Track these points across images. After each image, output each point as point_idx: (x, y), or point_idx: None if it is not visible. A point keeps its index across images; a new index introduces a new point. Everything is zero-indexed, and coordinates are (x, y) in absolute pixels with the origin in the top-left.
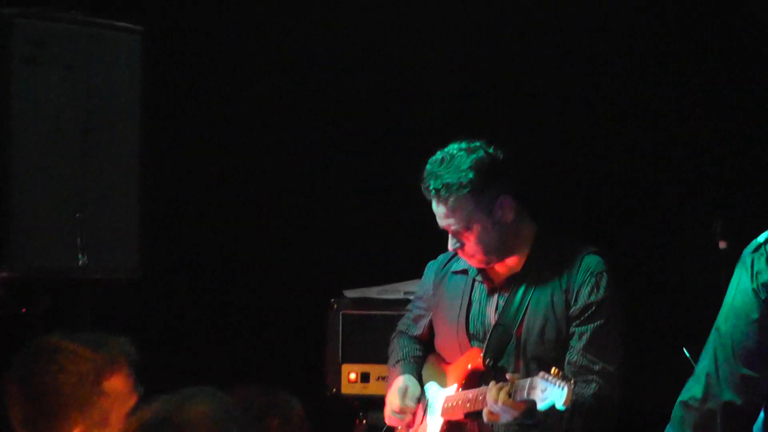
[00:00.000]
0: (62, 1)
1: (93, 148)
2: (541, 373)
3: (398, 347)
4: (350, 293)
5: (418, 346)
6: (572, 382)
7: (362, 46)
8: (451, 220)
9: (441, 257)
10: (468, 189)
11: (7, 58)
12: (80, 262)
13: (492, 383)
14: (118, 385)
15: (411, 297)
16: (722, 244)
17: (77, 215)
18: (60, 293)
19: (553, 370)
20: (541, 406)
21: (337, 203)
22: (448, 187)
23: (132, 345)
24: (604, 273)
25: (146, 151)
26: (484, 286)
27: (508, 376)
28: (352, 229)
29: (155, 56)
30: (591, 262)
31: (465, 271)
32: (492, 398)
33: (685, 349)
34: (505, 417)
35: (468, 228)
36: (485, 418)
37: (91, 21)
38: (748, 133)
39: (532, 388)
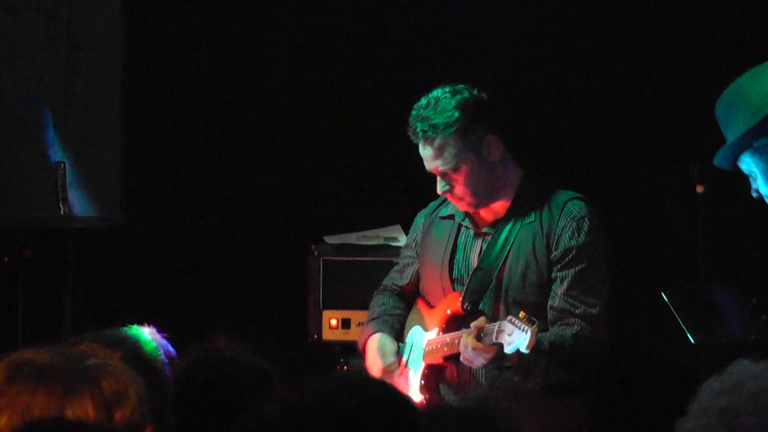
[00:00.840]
0: None
1: (75, 97)
2: (509, 317)
3: (375, 305)
4: (330, 239)
5: (395, 300)
6: (535, 325)
7: None
8: (439, 161)
9: (431, 204)
10: (455, 128)
11: None
12: (62, 212)
13: (465, 328)
14: None
15: (391, 243)
16: (699, 189)
17: (59, 164)
18: (43, 241)
19: (521, 313)
20: (507, 349)
21: (317, 149)
22: (434, 127)
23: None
24: (586, 218)
25: (128, 100)
26: (470, 231)
27: (473, 323)
28: (332, 175)
29: (136, 5)
30: (572, 206)
31: (452, 216)
32: (463, 343)
33: (664, 294)
34: (479, 361)
35: (456, 168)
36: (462, 361)
37: None
38: (726, 74)
39: (500, 331)
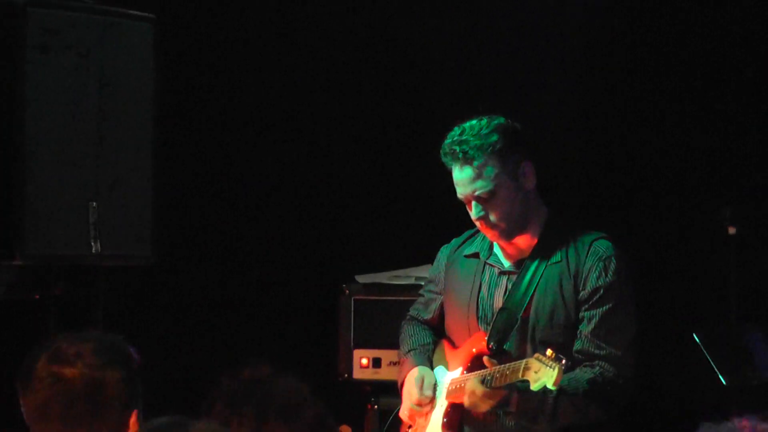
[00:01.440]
0: None
1: (106, 135)
2: (536, 354)
3: (408, 336)
4: (362, 278)
5: (427, 333)
6: (563, 362)
7: (377, 34)
8: (478, 183)
9: (454, 241)
10: (495, 149)
11: (21, 46)
12: (93, 250)
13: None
14: None
15: (422, 282)
16: (731, 230)
17: (91, 203)
18: (74, 279)
19: (548, 351)
20: (534, 386)
21: (348, 189)
22: (475, 148)
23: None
24: (613, 257)
25: (159, 138)
26: (495, 269)
27: (485, 359)
28: (364, 215)
29: (167, 43)
30: (599, 246)
31: (476, 255)
32: (469, 388)
33: (695, 335)
34: (483, 405)
35: (494, 192)
36: (467, 406)
37: (103, 9)
38: (758, 117)
39: (526, 369)
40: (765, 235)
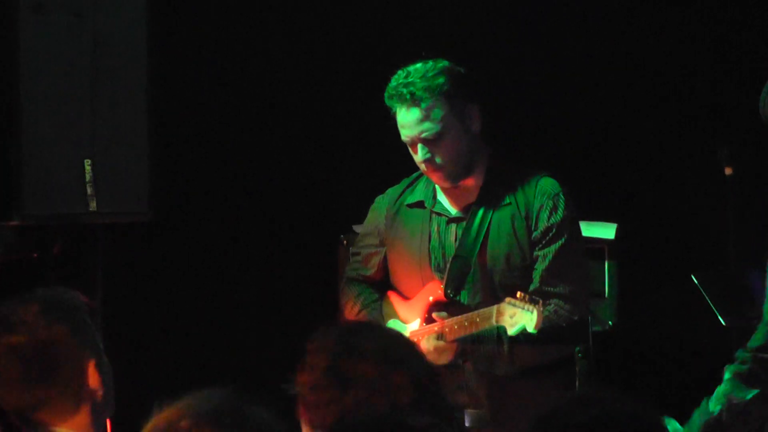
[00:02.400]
0: None
1: (101, 93)
2: (507, 299)
3: (355, 295)
4: (359, 228)
5: (372, 290)
6: (540, 303)
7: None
8: (426, 125)
9: (390, 191)
10: (443, 91)
11: (14, 6)
12: (90, 208)
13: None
14: None
15: None
16: (728, 171)
17: (87, 161)
18: (72, 237)
19: (518, 294)
20: (511, 331)
21: (344, 139)
22: (423, 89)
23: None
24: (561, 194)
25: (154, 94)
26: (443, 218)
27: (434, 315)
28: (360, 165)
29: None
30: (545, 184)
31: (421, 204)
32: (424, 347)
33: (694, 277)
34: (440, 360)
35: (441, 134)
36: None
37: None
38: (752, 57)
39: (500, 314)
40: (763, 174)
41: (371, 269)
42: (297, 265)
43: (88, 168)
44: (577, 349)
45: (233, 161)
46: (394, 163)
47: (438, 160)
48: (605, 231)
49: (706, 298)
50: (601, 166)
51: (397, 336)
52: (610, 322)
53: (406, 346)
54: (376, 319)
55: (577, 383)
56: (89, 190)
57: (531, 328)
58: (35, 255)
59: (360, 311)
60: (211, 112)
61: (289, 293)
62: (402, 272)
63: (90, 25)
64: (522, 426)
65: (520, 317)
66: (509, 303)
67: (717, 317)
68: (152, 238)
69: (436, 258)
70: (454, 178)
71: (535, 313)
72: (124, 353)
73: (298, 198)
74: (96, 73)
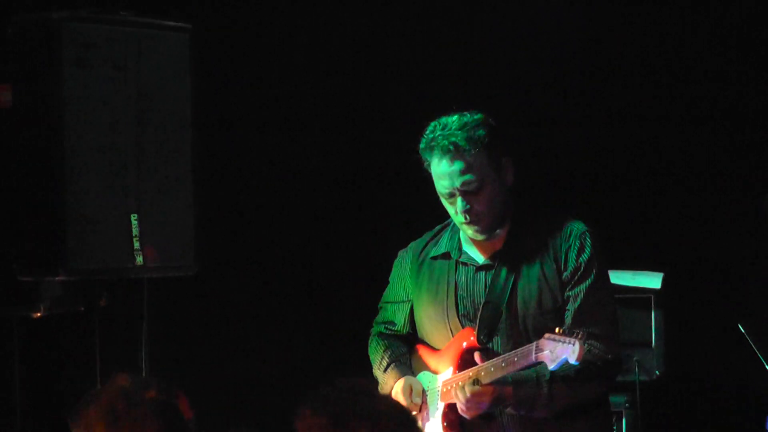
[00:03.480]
0: (110, 2)
1: (146, 146)
2: (546, 334)
3: (383, 349)
4: None
5: (401, 344)
6: (581, 335)
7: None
8: (468, 176)
9: (413, 245)
10: (485, 143)
11: (58, 62)
12: (137, 262)
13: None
14: None
15: None
16: None
17: (133, 215)
18: (118, 291)
19: (557, 329)
20: (552, 366)
21: (384, 195)
22: (467, 140)
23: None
24: (587, 233)
25: (199, 147)
26: (470, 267)
27: (475, 355)
28: (399, 220)
29: (204, 52)
30: (573, 226)
31: (447, 255)
32: (461, 397)
33: (740, 325)
34: (479, 406)
35: (481, 186)
36: (461, 413)
37: (138, 21)
38: None
39: (539, 349)
40: None
41: (399, 324)
42: (340, 318)
43: (134, 222)
44: (623, 399)
45: (277, 213)
46: (426, 215)
47: (477, 211)
48: (651, 281)
49: (753, 346)
50: (647, 215)
51: (390, 412)
52: (657, 372)
53: (400, 424)
54: (404, 373)
55: (608, 426)
56: (135, 245)
57: (573, 360)
58: (82, 308)
59: (388, 366)
60: (255, 163)
61: (336, 345)
62: (429, 324)
63: (133, 78)
64: None
65: (561, 351)
66: (548, 338)
67: (764, 365)
68: (198, 291)
69: (465, 307)
70: (490, 229)
71: (578, 345)
72: None
73: (340, 247)
74: (140, 126)
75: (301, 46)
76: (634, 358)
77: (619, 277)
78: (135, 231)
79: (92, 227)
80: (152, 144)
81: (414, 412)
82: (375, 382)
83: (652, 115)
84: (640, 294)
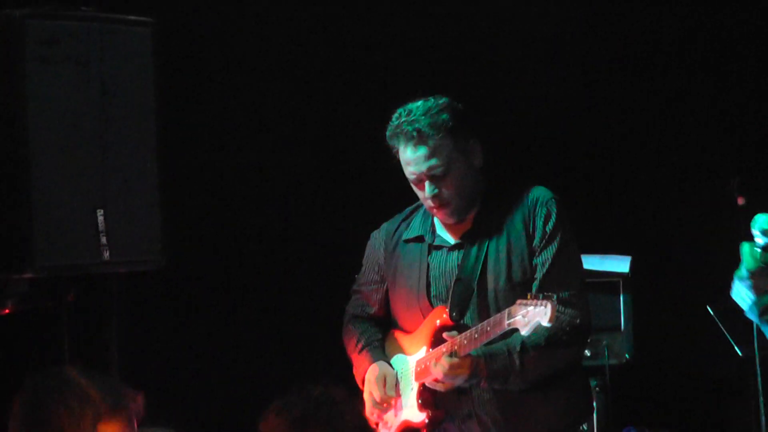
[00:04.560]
0: None
1: (110, 142)
2: (518, 301)
3: (359, 332)
4: None
5: (376, 328)
6: (554, 297)
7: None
8: (433, 161)
9: (385, 226)
10: (448, 127)
11: (21, 58)
12: (104, 257)
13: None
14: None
15: None
16: (740, 201)
17: (98, 210)
18: (86, 286)
19: (528, 295)
20: (525, 330)
21: (351, 183)
22: (429, 126)
23: (142, 400)
24: (553, 200)
25: (163, 141)
26: (443, 249)
27: (444, 335)
28: (366, 207)
29: (167, 46)
30: (538, 193)
31: (420, 238)
32: (435, 371)
33: (709, 308)
34: (455, 379)
35: (448, 171)
36: (438, 384)
37: (100, 16)
38: (765, 89)
39: (511, 315)
40: None
41: (374, 306)
42: (310, 308)
43: (100, 217)
44: (594, 383)
45: (245, 206)
46: (400, 201)
47: (445, 195)
48: (620, 265)
49: (722, 328)
50: (615, 199)
51: (352, 423)
52: (626, 355)
53: None
54: (378, 358)
55: (587, 395)
56: (102, 240)
57: (546, 322)
58: (49, 304)
59: (362, 349)
60: (223, 158)
61: (305, 335)
62: (402, 307)
63: (97, 74)
64: None
65: (533, 314)
66: (520, 304)
67: (733, 347)
68: (165, 284)
69: (437, 288)
70: (459, 213)
71: (549, 306)
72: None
73: (309, 240)
74: (105, 122)
75: (266, 38)
76: (604, 342)
77: (587, 262)
78: (101, 226)
79: (58, 224)
80: (117, 139)
81: (386, 404)
82: (343, 388)
83: (619, 99)
84: (609, 278)
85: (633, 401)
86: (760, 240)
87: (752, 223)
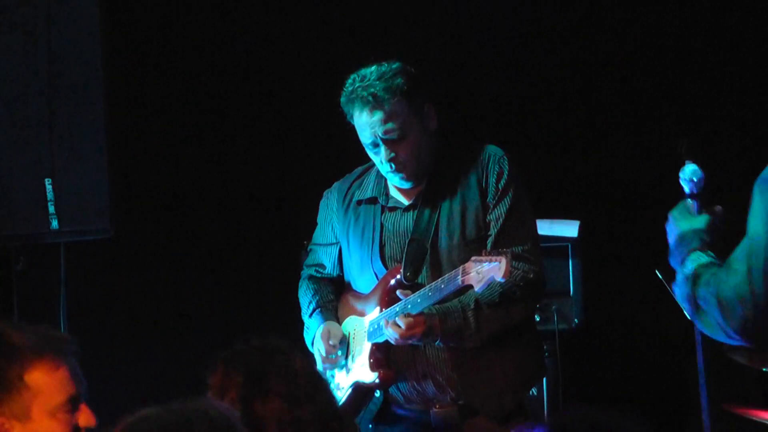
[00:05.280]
0: None
1: (58, 111)
2: (472, 258)
3: (311, 295)
4: None
5: (329, 289)
6: (508, 252)
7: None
8: (390, 125)
9: (337, 185)
10: (404, 91)
11: None
12: (52, 226)
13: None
14: (41, 379)
15: None
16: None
17: (47, 179)
18: (35, 255)
19: (482, 251)
20: (479, 287)
21: (302, 146)
22: (384, 90)
23: (73, 343)
24: (505, 157)
25: (112, 110)
26: (397, 210)
27: (398, 293)
28: (318, 171)
29: (114, 15)
30: (491, 151)
31: (373, 200)
32: (395, 330)
33: (657, 271)
34: (410, 337)
35: (404, 135)
36: (392, 339)
37: None
38: (713, 50)
39: (465, 272)
40: (722, 167)
41: (328, 266)
42: (260, 274)
43: (48, 186)
44: (545, 350)
45: (193, 174)
46: (352, 160)
47: (401, 159)
48: (568, 229)
49: (670, 292)
50: (562, 163)
51: (305, 373)
52: (576, 320)
53: (313, 384)
54: (327, 319)
55: (540, 354)
56: (50, 209)
57: (500, 277)
58: None
59: (314, 311)
60: (171, 126)
61: (253, 302)
62: (356, 268)
63: (44, 44)
64: (492, 396)
65: (488, 270)
66: (474, 260)
67: (681, 310)
68: (114, 254)
69: (391, 248)
70: (415, 176)
71: (504, 261)
72: (88, 369)
73: (258, 207)
74: (52, 91)
75: (215, 9)
76: (553, 307)
77: None
78: (50, 195)
79: (6, 193)
80: (65, 108)
81: (332, 358)
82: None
83: (567, 60)
84: (558, 243)
85: (582, 366)
86: (685, 187)
87: (680, 173)
